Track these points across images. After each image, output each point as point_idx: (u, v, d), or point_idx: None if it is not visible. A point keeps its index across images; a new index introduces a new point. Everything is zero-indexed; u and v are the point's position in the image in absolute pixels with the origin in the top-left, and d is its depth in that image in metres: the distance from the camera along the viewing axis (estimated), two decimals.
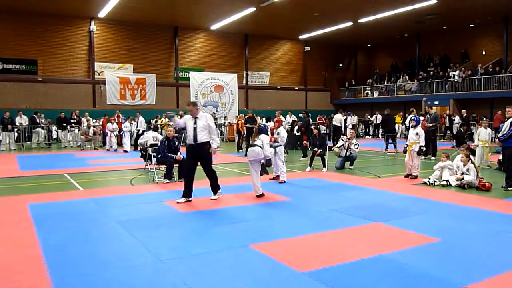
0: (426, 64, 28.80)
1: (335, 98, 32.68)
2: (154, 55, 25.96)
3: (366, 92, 30.82)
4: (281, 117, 12.01)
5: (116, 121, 17.63)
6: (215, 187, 7.27)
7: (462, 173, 8.51)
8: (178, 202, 6.95)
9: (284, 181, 9.04)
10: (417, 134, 9.56)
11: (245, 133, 16.44)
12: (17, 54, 22.33)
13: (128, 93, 24.98)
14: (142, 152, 10.69)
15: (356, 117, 25.29)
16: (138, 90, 25.24)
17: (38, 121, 18.63)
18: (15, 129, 18.04)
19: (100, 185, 9.18)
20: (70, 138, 19.48)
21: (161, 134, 15.12)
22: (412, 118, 10.16)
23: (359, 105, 31.03)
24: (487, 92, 23.08)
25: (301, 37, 29.68)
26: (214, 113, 25.52)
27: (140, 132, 16.82)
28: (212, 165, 7.30)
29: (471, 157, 8.89)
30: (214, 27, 25.97)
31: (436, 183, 8.71)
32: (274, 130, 9.74)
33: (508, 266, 4.09)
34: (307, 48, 30.96)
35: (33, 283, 3.72)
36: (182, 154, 9.39)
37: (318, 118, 20.82)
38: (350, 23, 24.78)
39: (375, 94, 30.09)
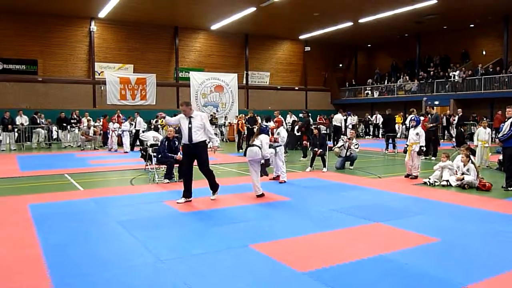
0: (426, 64, 28.79)
1: (335, 98, 32.68)
2: (154, 55, 25.97)
3: (366, 92, 30.82)
4: (280, 117, 11.98)
5: (117, 121, 17.63)
6: (213, 186, 7.26)
7: (462, 173, 8.51)
8: (178, 202, 6.95)
9: (284, 181, 9.04)
10: (417, 134, 9.55)
11: (246, 133, 16.45)
12: (18, 54, 22.33)
13: (128, 93, 24.99)
14: (142, 152, 10.70)
15: (356, 117, 25.29)
16: (138, 90, 25.25)
17: (38, 121, 18.63)
18: (16, 129, 18.04)
19: (100, 185, 9.18)
20: (70, 138, 19.48)
21: (162, 134, 15.15)
22: (413, 118, 10.16)
23: (359, 105, 31.03)
24: (487, 92, 23.08)
25: (301, 37, 29.68)
26: (214, 113, 25.52)
27: (141, 132, 16.80)
28: (209, 165, 7.27)
29: (471, 157, 8.89)
30: (214, 27, 25.97)
31: (436, 183, 8.71)
32: (274, 130, 9.73)
33: (508, 266, 4.09)
34: (307, 48, 30.96)
35: (33, 283, 3.72)
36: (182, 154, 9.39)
37: (318, 118, 20.82)
38: (350, 23, 24.78)
39: (375, 94, 30.09)
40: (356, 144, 11.68)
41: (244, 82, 29.05)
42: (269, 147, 7.68)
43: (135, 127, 16.80)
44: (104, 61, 24.59)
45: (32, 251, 4.55)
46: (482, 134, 11.60)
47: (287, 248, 4.65)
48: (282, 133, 9.52)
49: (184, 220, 5.98)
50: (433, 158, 13.36)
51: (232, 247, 4.66)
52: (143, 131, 19.64)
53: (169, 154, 9.19)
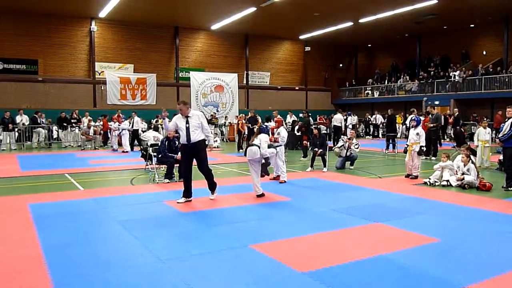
0: (426, 64, 28.79)
1: (335, 98, 32.69)
2: (154, 55, 25.98)
3: (366, 92, 30.82)
4: (279, 117, 11.92)
5: (117, 120, 17.63)
6: (212, 186, 7.25)
7: (463, 173, 8.51)
8: (178, 202, 6.95)
9: (285, 181, 9.04)
10: (417, 134, 9.55)
11: (246, 133, 16.43)
12: (18, 54, 22.35)
13: (129, 93, 25.01)
14: (143, 152, 10.70)
15: (356, 117, 25.28)
16: (139, 90, 25.26)
17: (39, 121, 18.64)
18: (16, 129, 18.05)
19: (100, 185, 9.18)
20: (70, 138, 19.49)
21: (162, 134, 15.15)
22: (413, 118, 10.16)
23: (360, 105, 31.04)
24: (487, 92, 23.08)
25: (302, 37, 29.69)
26: (215, 113, 25.53)
27: (140, 131, 16.79)
28: (208, 164, 7.26)
29: (472, 157, 8.89)
30: (215, 27, 25.98)
31: (436, 183, 8.71)
32: (275, 130, 9.73)
33: (508, 266, 4.09)
34: (308, 48, 30.97)
35: (33, 283, 3.72)
36: None
37: (318, 118, 20.80)
38: (350, 23, 24.78)
39: (376, 94, 30.10)
40: (356, 144, 11.68)
41: (244, 82, 29.07)
42: (269, 147, 7.67)
43: (132, 126, 16.79)
44: (104, 61, 24.61)
45: (32, 251, 4.55)
46: (482, 134, 11.59)
47: (287, 248, 4.65)
48: (282, 133, 9.51)
49: (184, 220, 5.98)
50: (433, 158, 13.36)
51: (232, 247, 4.67)
52: (143, 131, 19.69)
53: (169, 154, 9.19)
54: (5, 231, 5.39)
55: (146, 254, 4.45)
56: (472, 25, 25.78)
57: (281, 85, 30.58)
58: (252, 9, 21.38)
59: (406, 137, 11.09)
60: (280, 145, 9.26)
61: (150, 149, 9.79)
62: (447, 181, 8.60)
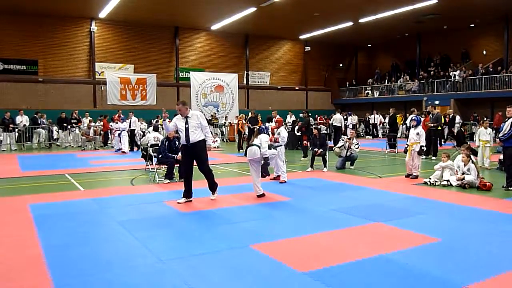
0: (426, 64, 28.79)
1: (335, 98, 32.69)
2: (154, 55, 25.99)
3: (366, 92, 30.82)
4: (279, 117, 11.96)
5: (118, 120, 17.63)
6: (212, 186, 7.24)
7: (463, 173, 8.51)
8: (178, 203, 6.95)
9: (285, 181, 9.04)
10: (418, 134, 9.55)
11: (247, 133, 16.44)
12: (18, 55, 22.36)
13: (129, 93, 25.02)
14: (143, 152, 10.71)
15: (356, 117, 25.29)
16: (139, 90, 25.27)
17: (39, 121, 18.63)
18: (16, 129, 18.05)
19: (101, 185, 9.19)
20: (70, 139, 19.49)
21: (162, 134, 15.14)
22: (413, 118, 10.16)
23: (360, 105, 31.04)
24: (487, 92, 23.08)
25: (302, 37, 29.69)
26: (215, 113, 25.53)
27: (138, 131, 16.78)
28: (209, 164, 7.26)
29: (472, 157, 8.89)
30: (215, 27, 25.98)
31: (436, 183, 8.70)
32: (275, 130, 9.73)
33: (508, 266, 4.09)
34: (308, 48, 30.97)
35: (33, 284, 3.72)
36: None
37: (318, 118, 20.81)
38: (350, 23, 24.78)
39: (376, 94, 30.10)
40: (357, 144, 11.68)
41: (245, 82, 29.07)
42: (270, 147, 7.67)
43: (130, 127, 16.79)
44: (104, 61, 24.62)
45: (32, 251, 4.56)
46: (483, 134, 11.59)
47: (287, 248, 4.66)
48: (283, 133, 9.51)
49: (184, 220, 5.98)
50: (433, 158, 13.36)
51: (233, 247, 4.67)
52: (143, 131, 19.68)
53: (170, 154, 9.19)
54: (5, 231, 5.40)
55: (146, 254, 4.45)
56: (472, 25, 25.78)
57: (281, 85, 30.59)
58: (252, 9, 21.38)
59: (406, 137, 11.09)
60: (280, 145, 9.26)
61: (150, 150, 9.79)
62: (448, 180, 8.60)
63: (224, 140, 23.13)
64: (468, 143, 11.94)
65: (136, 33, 25.16)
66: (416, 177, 9.42)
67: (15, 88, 22.22)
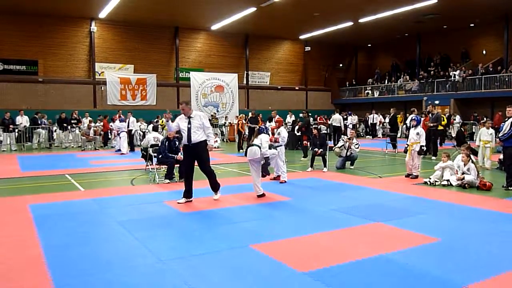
0: (426, 64, 28.79)
1: (335, 98, 32.69)
2: (154, 55, 25.98)
3: (366, 92, 30.82)
4: (278, 117, 11.97)
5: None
6: (215, 186, 7.23)
7: (463, 173, 8.51)
8: (178, 203, 6.95)
9: (285, 181, 9.05)
10: (417, 134, 9.56)
11: (247, 133, 16.43)
12: (18, 55, 22.36)
13: (129, 93, 25.01)
14: (143, 152, 10.71)
15: (356, 117, 25.29)
16: (139, 90, 25.26)
17: (39, 121, 18.62)
18: (16, 130, 18.05)
19: (101, 186, 9.19)
20: (70, 138, 19.49)
21: (162, 135, 15.13)
22: (413, 118, 10.16)
23: (360, 105, 31.04)
24: (487, 92, 23.08)
25: (302, 37, 29.69)
26: (215, 113, 25.52)
27: (132, 132, 16.75)
28: (211, 164, 7.26)
29: (472, 156, 8.89)
30: (215, 27, 25.98)
31: (436, 183, 8.71)
32: (275, 130, 9.74)
33: (508, 266, 4.09)
34: (308, 48, 30.97)
35: (34, 284, 3.72)
36: (182, 154, 9.39)
37: (318, 118, 20.79)
38: (350, 23, 24.78)
39: (376, 94, 30.10)
40: (357, 144, 11.68)
41: (245, 82, 29.07)
42: (270, 148, 7.67)
43: (128, 127, 16.79)
44: (104, 61, 24.62)
45: (32, 251, 4.56)
46: (484, 134, 11.58)
47: (287, 248, 4.66)
48: (283, 133, 9.51)
49: (184, 220, 5.99)
50: (433, 157, 13.36)
51: (233, 247, 4.67)
52: (142, 131, 19.67)
53: (170, 154, 9.19)
54: (5, 231, 5.40)
55: (146, 255, 4.45)
56: (472, 25, 25.78)
57: (281, 85, 30.59)
58: (252, 9, 21.38)
59: (406, 136, 11.09)
60: (281, 145, 9.26)
61: (150, 150, 9.79)
62: (448, 180, 8.61)
63: (224, 140, 23.13)
64: (468, 143, 11.93)
65: (136, 33, 25.16)
66: (416, 177, 9.43)
67: (15, 89, 22.21)
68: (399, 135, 20.56)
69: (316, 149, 11.11)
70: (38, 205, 6.86)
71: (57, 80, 23.26)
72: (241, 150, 15.89)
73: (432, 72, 27.06)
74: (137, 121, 20.02)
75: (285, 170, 9.24)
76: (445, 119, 19.35)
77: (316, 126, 15.27)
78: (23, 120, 18.24)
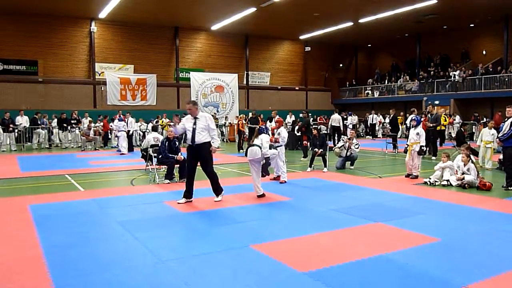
0: (426, 64, 28.79)
1: (335, 98, 32.70)
2: (154, 55, 25.98)
3: (366, 92, 30.83)
4: (278, 117, 11.99)
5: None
6: (216, 189, 7.20)
7: (463, 173, 8.51)
8: (178, 203, 6.95)
9: (285, 181, 9.05)
10: (417, 134, 9.56)
11: (247, 133, 16.44)
12: (18, 55, 22.36)
13: (129, 93, 24.99)
14: (143, 152, 10.71)
15: (356, 117, 25.28)
16: (139, 90, 25.25)
17: (39, 122, 18.61)
18: (16, 130, 18.04)
19: (101, 186, 9.19)
20: (70, 139, 19.49)
21: (162, 135, 15.14)
22: (413, 118, 10.17)
23: (360, 105, 31.05)
24: (487, 92, 23.09)
25: (302, 37, 29.69)
26: (215, 114, 25.52)
27: (131, 132, 16.74)
28: (213, 167, 7.25)
29: (472, 156, 8.89)
30: (215, 27, 25.98)
31: (436, 183, 8.71)
32: (275, 130, 9.74)
33: (508, 265, 4.09)
34: (308, 48, 30.97)
35: (34, 284, 3.72)
36: (182, 154, 9.40)
37: (319, 118, 20.78)
38: (350, 23, 24.78)
39: (376, 94, 30.10)
40: (356, 144, 11.69)
41: (245, 82, 29.07)
42: (270, 148, 7.67)
43: (127, 127, 16.77)
44: (104, 61, 24.61)
45: (32, 251, 4.56)
46: (486, 134, 11.58)
47: (287, 248, 4.66)
48: (283, 133, 9.51)
49: (184, 221, 5.99)
50: (433, 158, 13.36)
51: (233, 248, 4.67)
52: (142, 132, 19.66)
53: (170, 155, 9.19)
54: (5, 232, 5.40)
55: (146, 255, 4.45)
56: (472, 25, 25.78)
57: (281, 85, 30.59)
58: (252, 10, 21.38)
59: (406, 137, 11.09)
60: (281, 145, 9.26)
61: (150, 150, 9.79)
62: (447, 180, 8.61)
63: (224, 140, 23.13)
64: (468, 143, 11.94)
65: (136, 33, 25.16)
66: (416, 177, 9.43)
67: (15, 89, 22.19)
68: (399, 135, 20.57)
69: (316, 149, 11.12)
70: (38, 205, 6.86)
71: (57, 80, 23.26)
72: (241, 150, 15.90)
73: (432, 72, 27.06)
74: (137, 121, 20.05)
75: (285, 170, 9.24)
76: (447, 119, 19.42)
77: (316, 126, 15.29)
78: (23, 120, 18.25)
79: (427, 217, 6.02)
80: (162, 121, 20.57)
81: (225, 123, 24.39)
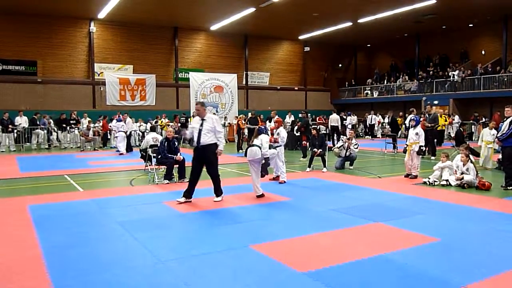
0: (425, 64, 28.81)
1: (335, 98, 32.70)
2: (154, 55, 25.96)
3: (366, 92, 30.84)
4: (277, 117, 12.02)
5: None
6: (217, 190, 7.21)
7: (462, 173, 8.52)
8: (178, 201, 6.95)
9: (284, 182, 9.05)
10: (417, 134, 9.57)
11: (247, 133, 16.43)
12: (17, 55, 22.32)
13: (128, 94, 24.97)
14: (142, 153, 10.71)
15: (355, 117, 25.27)
16: (138, 91, 25.23)
17: (39, 122, 18.58)
18: (15, 130, 18.02)
19: (100, 186, 9.19)
20: (70, 139, 19.47)
21: (161, 135, 15.14)
22: (412, 118, 10.17)
23: (359, 105, 31.05)
24: (486, 92, 23.11)
25: (301, 37, 29.69)
26: (214, 114, 25.50)
27: (129, 133, 16.73)
28: (218, 168, 7.24)
29: (471, 156, 8.90)
30: (214, 27, 25.98)
31: (436, 183, 8.72)
32: (274, 130, 9.74)
33: (508, 265, 4.09)
34: (307, 48, 30.97)
35: (33, 284, 3.72)
36: (182, 154, 9.40)
37: (318, 118, 20.78)
38: (349, 23, 24.79)
39: (375, 94, 30.12)
40: (356, 144, 11.69)
41: (244, 82, 29.06)
42: (269, 148, 7.67)
43: (126, 128, 16.76)
44: (103, 61, 24.59)
45: (32, 252, 4.56)
46: (486, 134, 11.59)
47: (287, 248, 4.66)
48: (282, 133, 9.51)
49: (184, 221, 5.99)
50: (432, 158, 13.36)
51: (232, 248, 4.67)
52: (142, 132, 19.64)
53: (169, 155, 9.19)
54: (5, 232, 5.39)
55: (146, 255, 4.45)
56: (471, 25, 25.80)
57: (281, 86, 30.58)
58: (252, 10, 21.38)
59: (406, 137, 11.10)
60: (280, 146, 9.26)
61: (149, 150, 9.78)
62: (447, 180, 8.62)
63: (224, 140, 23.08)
64: (467, 143, 11.95)
65: (135, 34, 25.14)
66: (416, 177, 9.43)
67: (14, 89, 22.15)
68: (398, 135, 20.57)
69: (315, 149, 11.12)
70: (38, 206, 6.85)
71: (56, 81, 23.22)
72: (240, 151, 15.89)
73: (431, 72, 27.08)
74: (136, 122, 20.05)
75: (285, 171, 9.24)
76: (447, 119, 19.43)
77: (315, 126, 15.29)
78: (22, 121, 18.23)
79: (427, 217, 6.03)
80: (162, 121, 20.56)
81: (224, 123, 24.38)
